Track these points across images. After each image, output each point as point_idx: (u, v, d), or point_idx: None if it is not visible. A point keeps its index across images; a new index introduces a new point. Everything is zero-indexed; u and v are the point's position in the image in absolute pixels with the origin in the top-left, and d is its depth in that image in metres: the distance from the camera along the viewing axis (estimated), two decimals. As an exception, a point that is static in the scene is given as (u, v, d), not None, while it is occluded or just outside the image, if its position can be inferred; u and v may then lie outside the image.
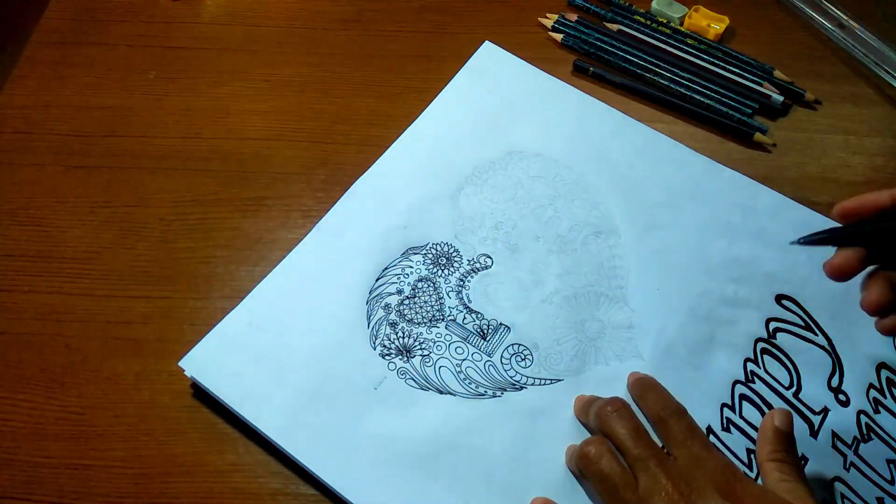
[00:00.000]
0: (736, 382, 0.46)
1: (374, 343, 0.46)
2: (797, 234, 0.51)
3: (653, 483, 0.36)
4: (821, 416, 0.45)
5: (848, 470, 0.43)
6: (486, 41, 0.61)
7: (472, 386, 0.44)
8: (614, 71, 0.61)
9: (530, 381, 0.45)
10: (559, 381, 0.45)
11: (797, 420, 0.44)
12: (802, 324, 0.48)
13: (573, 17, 0.64)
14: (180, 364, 0.44)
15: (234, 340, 0.45)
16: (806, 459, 0.43)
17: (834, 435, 0.44)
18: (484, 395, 0.44)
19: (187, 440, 0.43)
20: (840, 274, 0.36)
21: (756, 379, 0.46)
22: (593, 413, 0.42)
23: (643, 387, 0.43)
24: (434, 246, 0.50)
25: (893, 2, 0.66)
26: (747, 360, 0.46)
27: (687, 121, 0.59)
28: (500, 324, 0.47)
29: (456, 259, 0.49)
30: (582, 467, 0.39)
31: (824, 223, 0.52)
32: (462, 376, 0.45)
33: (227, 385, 0.43)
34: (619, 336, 0.47)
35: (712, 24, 0.63)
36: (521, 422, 0.43)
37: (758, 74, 0.61)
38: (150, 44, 0.61)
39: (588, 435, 0.43)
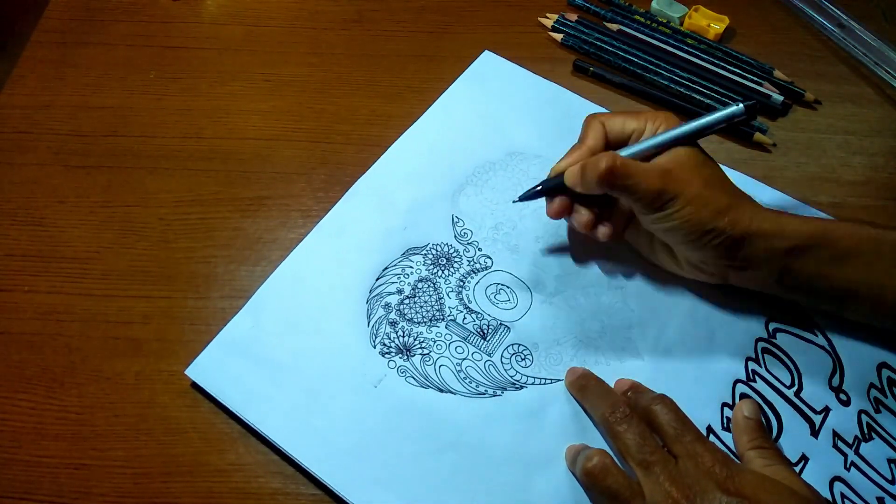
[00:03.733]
0: (737, 381, 0.45)
1: (374, 341, 0.46)
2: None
3: (658, 490, 0.37)
4: (822, 415, 0.45)
5: (848, 469, 0.43)
6: (486, 51, 0.61)
7: (473, 385, 0.44)
8: (614, 71, 0.61)
9: (530, 380, 0.45)
10: (559, 381, 0.45)
11: (798, 419, 0.44)
12: (803, 323, 0.48)
13: (573, 16, 0.64)
14: (187, 372, 0.44)
15: (237, 344, 0.45)
16: (807, 459, 0.43)
17: (835, 434, 0.44)
18: (484, 394, 0.44)
19: (187, 440, 0.43)
20: (557, 215, 0.47)
21: (757, 378, 0.46)
22: (598, 418, 0.42)
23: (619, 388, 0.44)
24: (434, 246, 0.50)
25: (893, 2, 0.66)
26: (748, 359, 0.46)
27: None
28: (501, 324, 0.47)
29: (456, 260, 0.49)
30: (588, 485, 0.40)
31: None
32: (462, 375, 0.45)
33: (231, 390, 0.44)
34: (618, 336, 0.47)
35: (712, 24, 0.63)
36: (522, 421, 0.43)
37: (758, 74, 0.61)
38: (150, 44, 0.61)
39: (587, 431, 0.43)
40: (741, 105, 0.42)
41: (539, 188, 0.47)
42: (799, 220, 0.43)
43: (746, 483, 0.37)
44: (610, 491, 0.38)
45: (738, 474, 0.37)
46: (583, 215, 0.46)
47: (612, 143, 0.46)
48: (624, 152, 0.45)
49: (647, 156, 0.44)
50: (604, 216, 0.47)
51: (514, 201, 0.48)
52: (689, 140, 0.44)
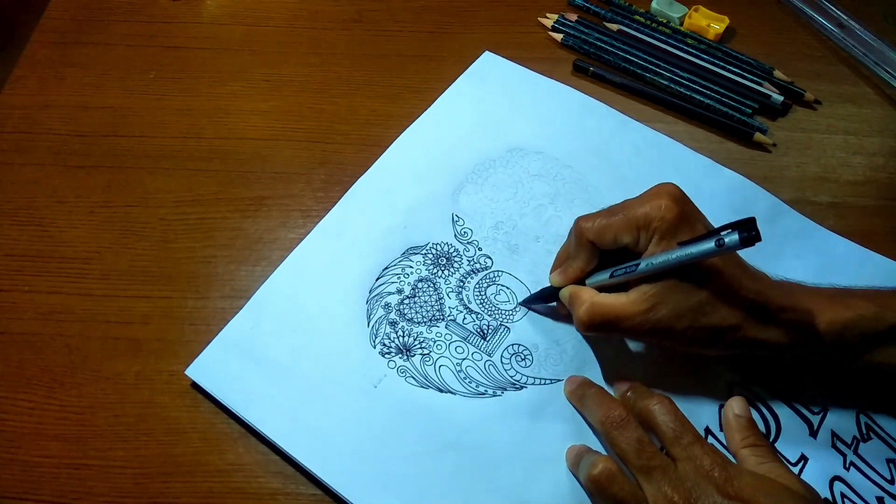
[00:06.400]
0: (734, 384, 0.45)
1: (374, 342, 0.46)
2: (790, 241, 0.51)
3: (660, 495, 0.37)
4: (820, 415, 0.45)
5: (848, 469, 0.43)
6: (486, 51, 0.61)
7: (473, 385, 0.44)
8: (614, 71, 0.61)
9: (530, 380, 0.45)
10: (559, 381, 0.45)
11: (797, 420, 0.44)
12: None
13: (573, 16, 0.64)
14: (187, 372, 0.44)
15: (237, 345, 0.45)
16: (806, 459, 0.43)
17: (834, 434, 0.44)
18: (484, 394, 0.44)
19: (187, 440, 0.43)
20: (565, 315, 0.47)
21: (755, 379, 0.46)
22: (595, 424, 0.42)
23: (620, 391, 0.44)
24: (434, 246, 0.50)
25: (893, 2, 0.66)
26: (746, 361, 0.46)
27: (687, 121, 0.59)
28: (500, 324, 0.47)
29: (456, 259, 0.49)
30: (594, 492, 0.40)
31: (814, 230, 0.52)
32: (462, 375, 0.45)
33: (231, 390, 0.44)
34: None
35: (712, 24, 0.63)
36: (522, 421, 0.43)
37: (758, 74, 0.61)
38: (150, 44, 0.61)
39: (586, 431, 0.43)
40: (736, 237, 0.36)
41: (540, 294, 0.47)
42: (808, 314, 0.41)
43: (745, 485, 0.37)
44: (616, 499, 0.38)
45: (736, 477, 0.37)
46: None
47: (607, 252, 0.43)
48: (615, 274, 0.42)
49: (639, 278, 0.41)
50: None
51: (518, 304, 0.48)
52: (683, 271, 0.40)
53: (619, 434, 0.39)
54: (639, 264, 0.40)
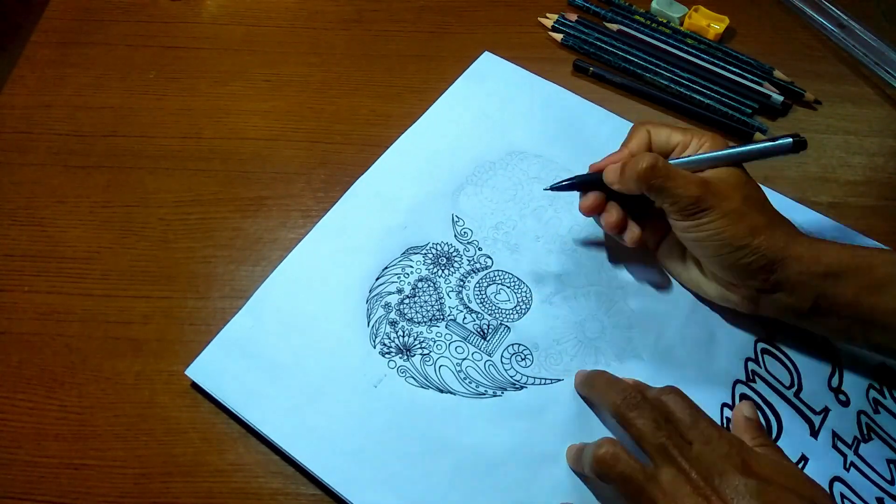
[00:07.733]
0: (736, 382, 0.45)
1: (374, 341, 0.46)
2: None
3: (676, 473, 0.36)
4: (821, 415, 0.45)
5: (848, 470, 0.43)
6: (486, 52, 0.61)
7: (473, 385, 0.44)
8: (614, 71, 0.61)
9: (530, 380, 0.45)
10: (559, 381, 0.45)
11: (798, 420, 0.44)
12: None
13: (573, 16, 0.64)
14: (187, 373, 0.44)
15: (237, 344, 0.45)
16: (806, 459, 0.43)
17: (834, 435, 0.44)
18: (484, 394, 0.44)
19: (187, 440, 0.43)
20: (589, 210, 0.47)
21: (757, 378, 0.46)
22: (609, 407, 0.41)
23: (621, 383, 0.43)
24: (434, 246, 0.50)
25: (893, 2, 0.66)
26: (748, 359, 0.46)
27: (687, 121, 0.59)
28: (500, 324, 0.47)
29: (456, 259, 0.49)
30: (601, 473, 0.39)
31: (820, 222, 0.52)
32: (462, 375, 0.45)
33: (231, 390, 0.44)
34: (618, 336, 0.47)
35: (712, 24, 0.63)
36: (522, 421, 0.43)
37: (758, 74, 0.61)
38: (150, 44, 0.61)
39: (587, 430, 0.43)
40: (790, 140, 0.42)
41: (574, 181, 0.48)
42: (836, 246, 0.43)
43: (765, 465, 0.37)
44: (623, 476, 0.37)
45: (755, 458, 0.37)
46: (613, 215, 0.46)
47: (655, 152, 0.46)
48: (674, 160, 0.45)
49: (690, 170, 0.44)
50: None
51: (545, 189, 0.49)
52: (734, 163, 0.44)
53: (637, 414, 0.39)
54: (694, 156, 0.44)
